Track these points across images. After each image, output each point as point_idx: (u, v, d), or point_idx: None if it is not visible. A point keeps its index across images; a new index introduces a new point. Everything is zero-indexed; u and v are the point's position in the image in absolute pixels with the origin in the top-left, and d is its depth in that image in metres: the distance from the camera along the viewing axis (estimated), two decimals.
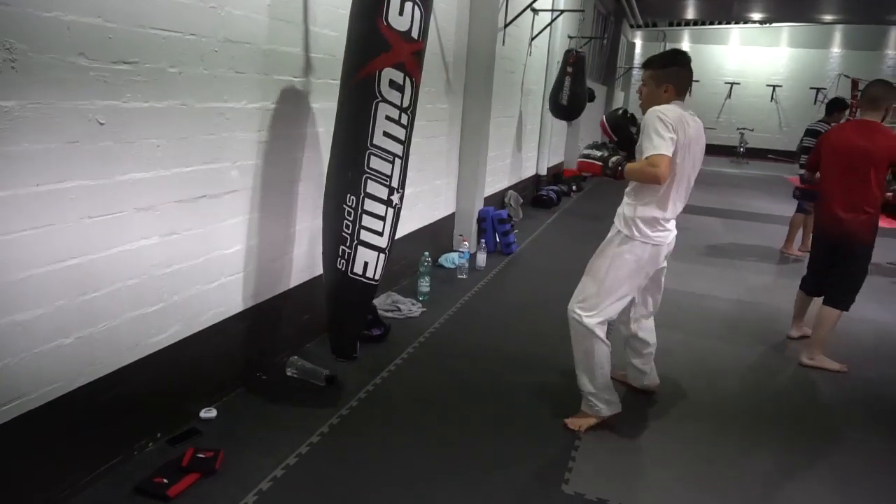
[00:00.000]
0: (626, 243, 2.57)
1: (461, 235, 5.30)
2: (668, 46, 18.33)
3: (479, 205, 5.56)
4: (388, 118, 2.55)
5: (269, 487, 2.19)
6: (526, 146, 8.08)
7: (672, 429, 2.83)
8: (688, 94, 2.60)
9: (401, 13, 2.47)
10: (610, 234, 2.66)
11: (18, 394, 1.83)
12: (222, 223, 2.58)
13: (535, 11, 7.07)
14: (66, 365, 1.97)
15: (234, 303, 2.74)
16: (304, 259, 3.23)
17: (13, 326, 1.78)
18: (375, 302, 3.87)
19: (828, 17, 15.95)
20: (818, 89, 17.01)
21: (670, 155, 2.37)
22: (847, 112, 6.14)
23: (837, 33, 17.48)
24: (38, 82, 1.73)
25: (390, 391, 2.96)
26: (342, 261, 2.64)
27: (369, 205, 2.60)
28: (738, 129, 17.17)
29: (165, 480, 2.13)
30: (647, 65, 2.61)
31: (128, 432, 2.28)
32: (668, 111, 2.42)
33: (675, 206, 2.60)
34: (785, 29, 17.74)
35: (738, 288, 5.09)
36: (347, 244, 2.62)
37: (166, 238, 2.29)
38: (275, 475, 2.25)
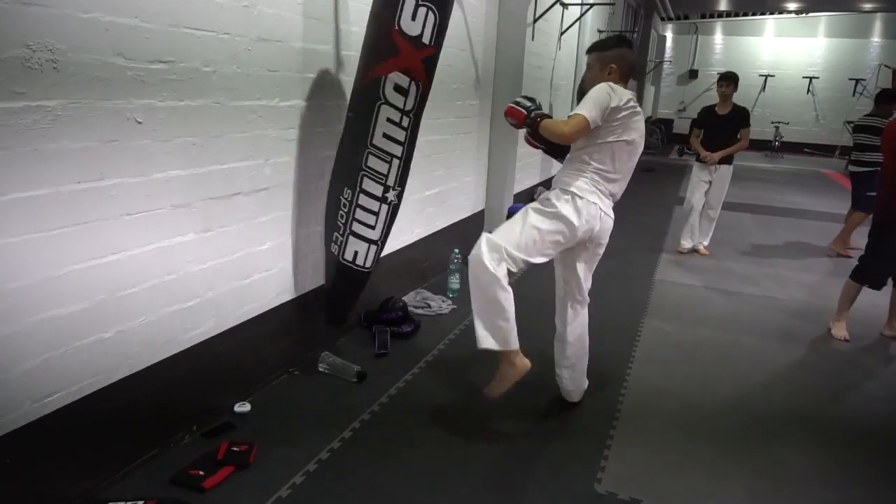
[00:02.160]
0: (556, 198, 2.48)
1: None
2: (700, 39, 18.09)
3: (509, 201, 5.53)
4: (388, 120, 2.64)
5: (303, 481, 2.21)
6: None
7: (704, 428, 2.77)
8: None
9: (413, 17, 2.49)
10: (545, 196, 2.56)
11: (60, 386, 1.88)
12: (255, 220, 2.61)
13: (565, 5, 7.00)
14: (106, 358, 2.02)
15: (266, 299, 2.77)
16: None
17: (55, 321, 1.83)
18: (406, 298, 3.88)
19: (868, 6, 15.46)
20: (857, 80, 16.49)
21: (589, 120, 2.33)
22: None
23: (878, 22, 16.88)
24: (78, 82, 1.77)
25: (421, 388, 2.96)
26: (335, 246, 2.86)
27: (363, 200, 2.76)
28: (772, 122, 16.73)
29: (201, 472, 2.17)
30: (591, 49, 2.61)
31: (164, 425, 2.33)
32: (618, 87, 2.42)
33: (610, 181, 2.51)
34: (822, 18, 17.23)
35: (773, 286, 4.97)
36: (340, 232, 2.82)
37: (201, 235, 2.33)
38: (307, 469, 2.27)
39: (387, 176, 2.74)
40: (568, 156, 2.62)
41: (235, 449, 2.31)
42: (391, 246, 3.83)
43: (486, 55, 4.93)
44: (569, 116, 2.40)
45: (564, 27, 7.35)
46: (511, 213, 5.36)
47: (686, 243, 5.86)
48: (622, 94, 2.41)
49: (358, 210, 2.77)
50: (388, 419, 2.67)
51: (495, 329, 2.45)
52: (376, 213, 2.80)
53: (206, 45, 2.20)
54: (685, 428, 2.76)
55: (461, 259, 4.32)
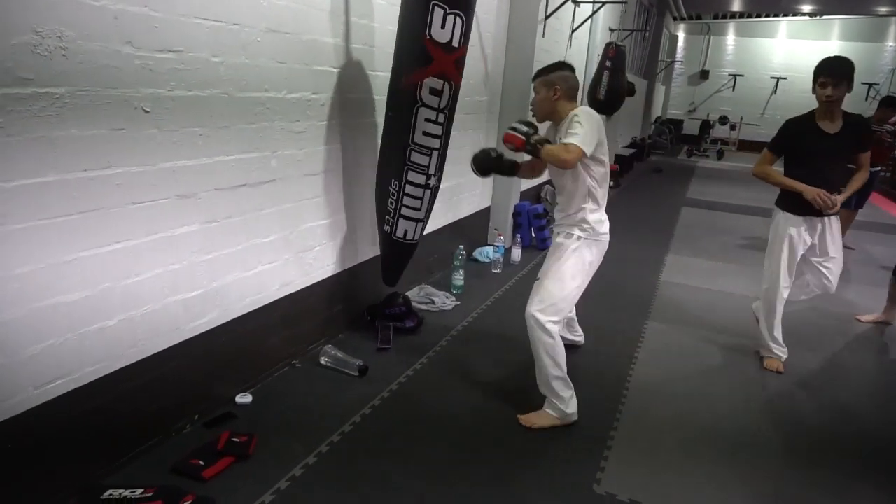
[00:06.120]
0: (585, 246, 2.72)
1: (496, 230, 5.26)
2: (712, 40, 17.98)
3: (515, 199, 5.52)
4: (426, 120, 2.89)
5: (302, 474, 2.21)
6: None
7: (704, 432, 2.76)
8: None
9: (443, 27, 2.68)
10: (561, 240, 2.77)
11: (62, 373, 1.89)
12: (260, 212, 2.61)
13: (577, 3, 6.95)
14: (109, 346, 2.03)
15: (270, 290, 2.77)
16: (338, 250, 3.26)
17: (59, 307, 1.83)
18: (409, 294, 3.88)
19: (883, 10, 15.30)
20: (870, 84, 16.34)
21: (587, 150, 2.44)
22: None
23: (893, 26, 16.73)
24: (86, 70, 1.77)
25: (422, 384, 2.96)
26: (387, 226, 3.18)
27: (409, 189, 3.05)
28: None
29: (201, 462, 2.18)
30: (535, 76, 2.74)
31: (166, 414, 2.33)
32: (593, 112, 2.57)
33: (605, 193, 2.77)
34: (836, 21, 17.07)
35: None
36: (391, 215, 3.14)
37: (206, 225, 2.33)
38: (307, 462, 2.28)
39: (428, 167, 3.02)
40: (568, 187, 2.74)
41: (236, 440, 2.32)
42: None
43: (496, 51, 4.91)
44: (564, 142, 2.45)
45: (576, 25, 7.30)
46: (518, 212, 5.39)
47: (780, 351, 3.49)
48: (596, 116, 2.55)
49: (405, 198, 3.07)
50: (388, 414, 2.67)
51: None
52: (421, 198, 3.10)
53: (215, 36, 2.20)
54: (685, 431, 2.74)
55: (466, 255, 4.32)
